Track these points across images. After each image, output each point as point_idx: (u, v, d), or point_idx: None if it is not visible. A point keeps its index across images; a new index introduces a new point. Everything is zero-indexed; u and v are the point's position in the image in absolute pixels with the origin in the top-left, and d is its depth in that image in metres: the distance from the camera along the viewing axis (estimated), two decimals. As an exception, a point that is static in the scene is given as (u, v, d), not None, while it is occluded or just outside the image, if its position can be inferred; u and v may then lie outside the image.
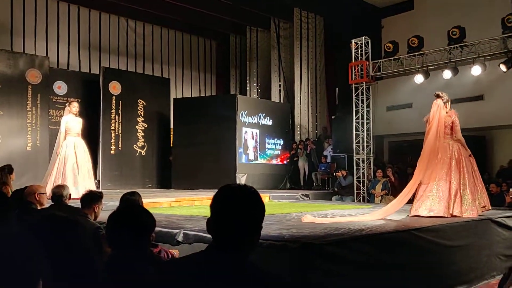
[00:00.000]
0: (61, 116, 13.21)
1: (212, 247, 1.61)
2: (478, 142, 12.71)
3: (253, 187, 1.69)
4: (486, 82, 12.23)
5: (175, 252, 3.92)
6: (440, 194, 6.03)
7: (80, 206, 3.93)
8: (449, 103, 6.61)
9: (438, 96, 6.55)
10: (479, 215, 5.96)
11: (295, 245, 3.48)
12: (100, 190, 4.08)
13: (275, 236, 3.90)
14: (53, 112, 12.95)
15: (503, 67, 9.95)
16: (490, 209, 6.35)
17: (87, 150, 8.87)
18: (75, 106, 8.84)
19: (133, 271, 1.85)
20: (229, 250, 1.58)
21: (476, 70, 10.38)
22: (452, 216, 5.84)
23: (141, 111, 13.89)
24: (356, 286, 3.75)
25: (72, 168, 8.19)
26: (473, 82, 12.39)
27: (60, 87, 13.31)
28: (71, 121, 8.69)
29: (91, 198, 3.87)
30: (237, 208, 1.60)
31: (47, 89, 12.25)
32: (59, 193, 4.16)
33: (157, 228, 4.78)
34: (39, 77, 12.01)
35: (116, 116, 13.36)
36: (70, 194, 4.27)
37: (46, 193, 4.40)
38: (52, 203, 4.23)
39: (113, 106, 13.29)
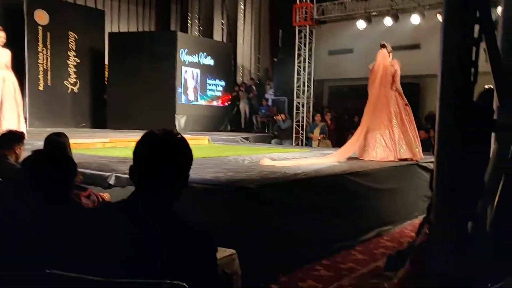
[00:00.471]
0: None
1: (135, 195, 1.50)
2: (413, 89, 13.10)
3: (179, 134, 1.57)
4: (424, 31, 12.47)
5: (106, 195, 3.76)
6: (384, 143, 6.31)
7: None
8: (392, 53, 6.75)
9: (383, 46, 6.70)
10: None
11: (229, 189, 3.44)
12: (21, 130, 3.75)
13: (211, 180, 3.83)
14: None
15: (439, 17, 10.11)
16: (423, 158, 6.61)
17: (17, 84, 7.96)
18: (1, 36, 7.75)
19: (63, 225, 1.69)
20: (151, 197, 1.47)
21: (415, 18, 10.51)
22: (401, 159, 6.17)
23: (73, 45, 13.01)
24: (290, 229, 3.80)
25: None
26: (412, 30, 12.62)
27: (-23, 14, 12.13)
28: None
29: (12, 138, 3.58)
30: (161, 155, 1.49)
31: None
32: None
33: (88, 171, 4.59)
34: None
35: (44, 49, 12.43)
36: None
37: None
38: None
39: (40, 37, 12.31)
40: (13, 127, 6.85)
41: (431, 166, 6.12)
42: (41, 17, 12.30)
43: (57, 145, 3.42)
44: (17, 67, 11.72)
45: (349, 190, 4.67)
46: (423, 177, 6.04)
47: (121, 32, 15.53)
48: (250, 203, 3.54)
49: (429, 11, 10.84)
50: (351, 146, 6.53)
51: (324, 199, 4.31)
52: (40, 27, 12.22)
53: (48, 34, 12.40)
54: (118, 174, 4.23)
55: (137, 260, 1.36)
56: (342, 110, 14.19)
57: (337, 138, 11.92)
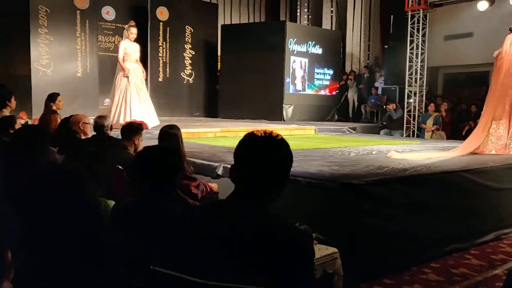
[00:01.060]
0: (111, 42, 13.41)
1: (233, 196, 1.55)
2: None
3: (279, 135, 1.58)
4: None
5: (214, 185, 3.94)
6: (500, 133, 6.01)
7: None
8: None
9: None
10: None
11: (333, 185, 3.40)
12: (140, 122, 4.06)
13: (315, 173, 3.82)
14: (101, 38, 13.02)
15: None
16: None
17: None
18: (133, 32, 8.33)
19: (160, 216, 1.82)
20: (249, 199, 1.51)
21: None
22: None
23: (189, 38, 13.73)
24: (397, 228, 3.66)
25: (135, 96, 8.10)
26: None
27: (109, 13, 13.25)
28: (130, 47, 8.29)
29: (131, 130, 3.88)
30: (261, 157, 1.51)
31: (95, 15, 12.21)
32: (100, 123, 4.21)
33: (198, 161, 4.84)
34: (87, 1, 11.95)
35: (164, 43, 13.30)
36: (112, 125, 4.30)
37: (90, 123, 4.46)
38: (95, 133, 4.29)
39: (161, 32, 13.20)
40: (150, 114, 7.94)
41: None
42: (162, 13, 13.15)
43: (169, 137, 3.64)
44: (141, 60, 12.77)
45: (464, 188, 4.37)
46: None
47: (232, 24, 15.99)
48: (355, 199, 3.47)
49: None
50: (476, 139, 6.16)
51: (435, 197, 4.08)
52: (161, 23, 13.07)
53: (168, 29, 13.22)
54: (226, 165, 4.40)
55: (232, 263, 1.39)
56: (457, 99, 13.28)
57: (453, 129, 11.19)
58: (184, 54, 13.66)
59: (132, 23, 8.51)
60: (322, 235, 2.95)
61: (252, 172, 1.52)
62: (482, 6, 10.48)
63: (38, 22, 11.18)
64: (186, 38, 13.67)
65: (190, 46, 13.71)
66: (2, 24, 10.87)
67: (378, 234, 3.49)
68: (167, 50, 13.33)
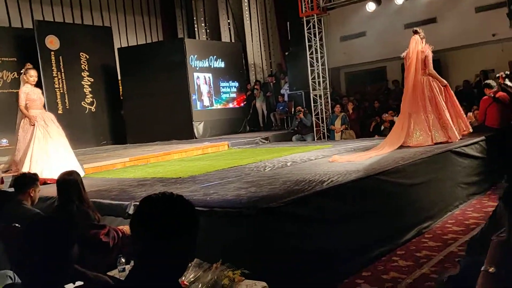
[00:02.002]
0: (-3, 79, 12.36)
1: (135, 273, 1.31)
2: (434, 66, 12.66)
3: (179, 196, 1.36)
4: (438, 4, 12.04)
5: (126, 228, 3.60)
6: (422, 128, 6.47)
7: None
8: (425, 38, 6.84)
9: (415, 32, 6.83)
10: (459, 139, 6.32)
11: (251, 212, 3.22)
12: (34, 172, 3.61)
13: (231, 200, 3.63)
14: (-15, 76, 12.00)
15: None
16: (471, 131, 6.72)
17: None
18: (32, 75, 7.10)
19: None
20: (154, 275, 1.27)
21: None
22: (436, 143, 6.27)
23: (85, 65, 13.02)
24: (323, 244, 3.57)
25: (45, 149, 6.68)
26: (425, 5, 12.20)
27: (-9, 46, 12.23)
28: (32, 93, 7.05)
29: (25, 182, 3.45)
30: (162, 228, 1.28)
31: (-25, 49, 11.22)
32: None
33: (107, 201, 4.45)
34: (-37, 37, 10.93)
35: (58, 73, 12.49)
36: (2, 178, 3.81)
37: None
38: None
39: (53, 62, 12.38)
40: (72, 164, 6.57)
41: (466, 150, 5.81)
42: (52, 42, 12.34)
43: (68, 185, 3.28)
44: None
45: (380, 191, 4.41)
46: (459, 163, 5.73)
47: (129, 46, 15.46)
48: (276, 224, 3.32)
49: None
50: (397, 137, 6.56)
51: (354, 205, 4.07)
52: (52, 52, 12.26)
53: (61, 58, 12.44)
54: (137, 203, 4.07)
55: None
56: (361, 96, 13.83)
57: (361, 127, 11.58)
58: (82, 82, 12.93)
59: (29, 65, 7.36)
60: (248, 268, 2.77)
61: (155, 243, 1.28)
62: (371, 7, 10.97)
63: None
64: (82, 66, 12.96)
65: (88, 73, 13.02)
66: None
67: (305, 255, 3.36)
68: (63, 80, 12.54)
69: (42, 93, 11.49)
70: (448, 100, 6.76)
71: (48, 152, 6.56)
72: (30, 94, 7.00)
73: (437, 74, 6.83)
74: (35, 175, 3.59)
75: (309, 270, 3.29)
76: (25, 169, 6.00)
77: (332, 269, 3.52)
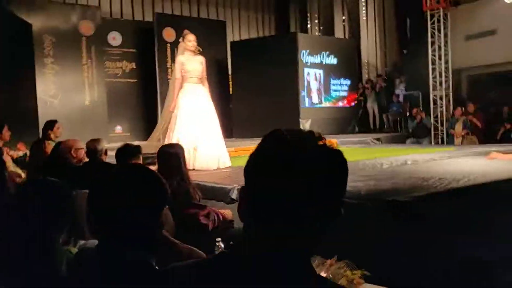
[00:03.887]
0: (118, 68, 13.01)
1: (248, 244, 0.91)
2: None
3: (320, 134, 0.95)
4: None
5: (228, 212, 3.31)
6: None
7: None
8: None
9: None
10: None
11: (375, 204, 2.73)
12: (137, 144, 3.46)
13: (349, 191, 3.15)
14: (109, 65, 12.67)
15: None
16: None
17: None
18: (191, 39, 6.15)
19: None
20: (277, 246, 0.87)
21: None
22: None
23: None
24: (455, 251, 2.96)
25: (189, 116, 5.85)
26: None
27: (115, 38, 12.90)
28: (190, 62, 6.05)
29: (127, 154, 3.29)
30: (298, 172, 0.86)
31: (101, 41, 11.88)
32: (92, 147, 3.63)
33: (208, 184, 4.22)
34: (92, 28, 11.61)
35: (172, 64, 12.74)
36: (106, 149, 3.72)
37: (83, 148, 3.89)
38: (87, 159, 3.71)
39: (168, 54, 12.75)
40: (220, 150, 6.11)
41: None
42: (169, 34, 12.73)
43: (168, 157, 3.04)
44: (152, 84, 12.38)
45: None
46: None
47: (242, 39, 15.53)
48: (400, 219, 2.79)
49: None
50: None
51: (494, 210, 3.37)
52: (168, 44, 12.63)
53: (176, 49, 12.73)
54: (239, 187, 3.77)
55: None
56: (485, 102, 12.50)
57: (485, 133, 10.41)
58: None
59: (186, 31, 6.44)
60: (369, 270, 2.29)
61: (285, 201, 0.87)
62: (508, -2, 9.75)
63: (43, 51, 10.86)
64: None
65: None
66: (6, 55, 10.58)
67: (436, 262, 2.79)
68: (176, 72, 12.88)
69: (155, 82, 12.09)
70: None
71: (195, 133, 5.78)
72: (185, 63, 6.05)
73: None
74: (138, 147, 3.41)
75: (450, 281, 2.72)
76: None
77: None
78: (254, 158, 0.93)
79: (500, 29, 12.41)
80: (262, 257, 0.86)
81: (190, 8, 15.62)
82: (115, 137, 12.40)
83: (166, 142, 5.61)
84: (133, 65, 13.22)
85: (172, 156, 3.07)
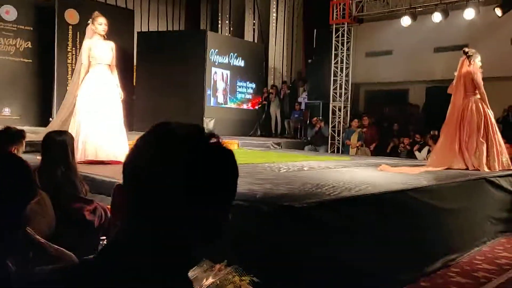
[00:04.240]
0: (11, 45, 11.93)
1: (113, 251, 0.79)
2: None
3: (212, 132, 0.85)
4: (472, 31, 11.45)
5: (117, 209, 3.10)
6: (463, 151, 6.14)
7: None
8: (473, 56, 6.33)
9: (464, 52, 6.45)
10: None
11: (269, 208, 2.71)
12: (21, 128, 3.10)
13: (245, 194, 3.10)
14: (0, 41, 11.61)
15: (498, 11, 9.14)
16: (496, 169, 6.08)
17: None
18: (101, 23, 5.58)
19: None
20: (147, 258, 0.76)
21: (469, 13, 9.52)
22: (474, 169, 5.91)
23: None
24: (350, 257, 3.03)
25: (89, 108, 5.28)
26: (459, 29, 11.61)
27: (9, 12, 11.85)
28: (98, 47, 5.51)
29: (8, 137, 2.95)
30: (183, 169, 0.75)
31: (-9, 13, 10.83)
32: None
33: (98, 177, 3.96)
34: (-19, -1, 10.55)
35: (73, 48, 12.07)
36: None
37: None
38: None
39: (70, 37, 11.98)
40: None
41: (500, 181, 5.28)
42: (72, 16, 11.95)
43: (54, 145, 2.77)
44: (48, 66, 11.51)
45: (409, 210, 3.87)
46: (491, 194, 5.18)
47: (150, 31, 15.06)
48: (296, 225, 2.79)
49: (484, 6, 9.87)
50: (446, 154, 6.21)
51: (380, 220, 3.53)
52: (70, 26, 11.87)
53: (78, 33, 12.03)
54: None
55: None
56: (379, 116, 13.32)
57: (377, 146, 11.05)
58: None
59: (96, 13, 5.82)
60: (258, 275, 2.24)
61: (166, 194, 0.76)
62: (406, 21, 10.44)
63: None
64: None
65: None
66: None
67: (319, 266, 2.81)
68: (77, 56, 12.10)
69: (53, 64, 11.24)
70: (489, 128, 6.29)
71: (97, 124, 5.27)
72: (92, 48, 5.51)
73: (484, 98, 6.34)
74: (22, 131, 3.07)
75: (333, 285, 2.76)
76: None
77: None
78: (135, 151, 0.81)
79: (396, 50, 13.32)
80: (130, 267, 0.75)
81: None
82: (1, 120, 11.38)
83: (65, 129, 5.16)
84: (29, 44, 12.24)
85: (58, 144, 2.79)
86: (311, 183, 3.82)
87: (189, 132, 0.82)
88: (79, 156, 4.87)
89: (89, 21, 5.76)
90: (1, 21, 11.58)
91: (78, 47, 12.03)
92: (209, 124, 11.94)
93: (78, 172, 2.93)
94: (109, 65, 5.61)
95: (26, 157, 3.37)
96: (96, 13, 5.80)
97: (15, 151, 2.98)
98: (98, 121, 5.29)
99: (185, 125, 0.84)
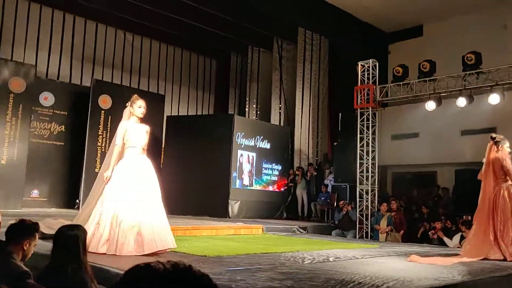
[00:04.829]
0: (46, 129, 12.43)
1: None
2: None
3: (191, 266, 0.81)
4: (500, 114, 11.37)
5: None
6: (496, 240, 5.97)
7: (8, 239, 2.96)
8: (502, 141, 6.28)
9: (492, 138, 6.41)
10: None
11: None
12: (35, 221, 3.07)
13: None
14: (36, 125, 12.15)
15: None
16: None
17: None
18: (141, 105, 5.52)
19: None
20: None
21: (494, 98, 9.52)
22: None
23: (132, 128, 13.02)
24: None
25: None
26: (486, 112, 11.55)
27: (47, 98, 12.51)
28: (134, 129, 5.42)
29: (21, 230, 2.93)
30: None
31: (31, 99, 11.42)
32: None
33: (113, 270, 3.87)
34: (23, 85, 11.18)
35: (104, 131, 12.48)
36: (-1, 221, 3.32)
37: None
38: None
39: (102, 120, 12.43)
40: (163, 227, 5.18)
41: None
42: (105, 101, 12.49)
43: (66, 240, 2.73)
44: (80, 149, 11.86)
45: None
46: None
47: (179, 115, 15.55)
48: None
49: (509, 91, 9.88)
50: (481, 244, 5.99)
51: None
52: (102, 111, 12.35)
53: (110, 117, 12.50)
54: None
55: None
56: (408, 199, 13.02)
57: (406, 231, 10.67)
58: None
59: (136, 95, 5.79)
60: None
61: None
62: (431, 106, 10.49)
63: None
64: (130, 128, 12.95)
65: (133, 136, 12.95)
66: None
67: None
68: (107, 139, 12.48)
69: (83, 146, 11.56)
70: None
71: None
72: (130, 130, 5.40)
73: None
74: (36, 224, 3.05)
75: None
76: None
77: None
78: None
79: (422, 132, 13.29)
80: None
81: (130, 80, 15.58)
82: (29, 202, 11.59)
83: (92, 217, 5.05)
84: (62, 128, 12.76)
85: (70, 239, 2.76)
86: (335, 278, 3.64)
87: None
88: (129, 249, 4.69)
89: (127, 104, 5.70)
90: (39, 106, 12.19)
91: (109, 131, 12.45)
92: (234, 206, 11.87)
93: (89, 268, 2.85)
94: (143, 148, 5.48)
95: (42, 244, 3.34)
96: (136, 96, 5.76)
97: (27, 245, 2.95)
98: (142, 209, 4.99)
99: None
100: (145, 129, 5.58)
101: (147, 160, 5.45)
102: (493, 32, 12.08)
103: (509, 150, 6.31)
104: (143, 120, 5.78)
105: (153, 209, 5.13)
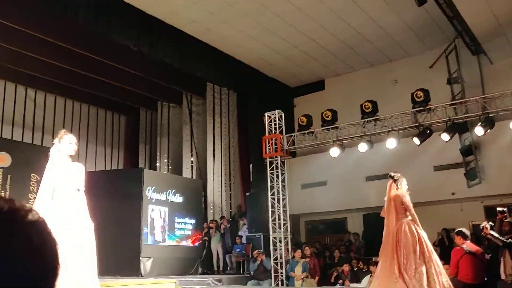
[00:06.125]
0: None
1: None
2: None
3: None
4: (397, 160, 12.19)
5: None
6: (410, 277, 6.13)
7: None
8: (399, 180, 6.63)
9: (390, 176, 6.73)
10: None
11: None
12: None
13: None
14: None
15: (416, 141, 9.93)
16: None
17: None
18: (71, 141, 4.97)
19: None
20: None
21: (391, 143, 10.27)
22: None
23: (34, 187, 12.24)
24: None
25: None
26: (385, 159, 12.30)
27: None
28: (65, 169, 4.94)
29: None
30: None
31: None
32: None
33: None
34: None
35: (3, 191, 11.63)
36: None
37: None
38: None
39: (0, 180, 11.62)
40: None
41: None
42: (3, 159, 11.72)
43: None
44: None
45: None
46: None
47: (86, 171, 14.90)
48: None
49: (403, 138, 10.70)
50: (387, 278, 6.20)
51: None
52: (1, 170, 11.58)
53: (9, 176, 11.75)
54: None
55: None
56: (321, 246, 13.32)
57: (321, 276, 10.85)
58: (28, 204, 12.02)
59: (64, 130, 5.16)
60: None
61: None
62: (335, 152, 11.03)
63: None
64: (31, 187, 12.19)
65: (35, 195, 12.18)
66: None
67: None
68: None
69: None
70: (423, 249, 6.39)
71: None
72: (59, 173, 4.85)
73: (416, 219, 6.48)
74: None
75: None
76: None
77: None
78: None
79: (330, 180, 13.84)
80: None
81: (33, 136, 14.83)
82: None
83: None
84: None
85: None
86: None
87: None
88: None
89: (53, 141, 5.02)
90: None
91: (8, 191, 11.64)
92: (146, 264, 11.36)
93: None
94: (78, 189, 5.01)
95: None
96: (64, 131, 5.08)
97: None
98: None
99: None
100: (80, 167, 5.12)
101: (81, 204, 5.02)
102: (385, 85, 13.19)
103: (407, 187, 6.75)
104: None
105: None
